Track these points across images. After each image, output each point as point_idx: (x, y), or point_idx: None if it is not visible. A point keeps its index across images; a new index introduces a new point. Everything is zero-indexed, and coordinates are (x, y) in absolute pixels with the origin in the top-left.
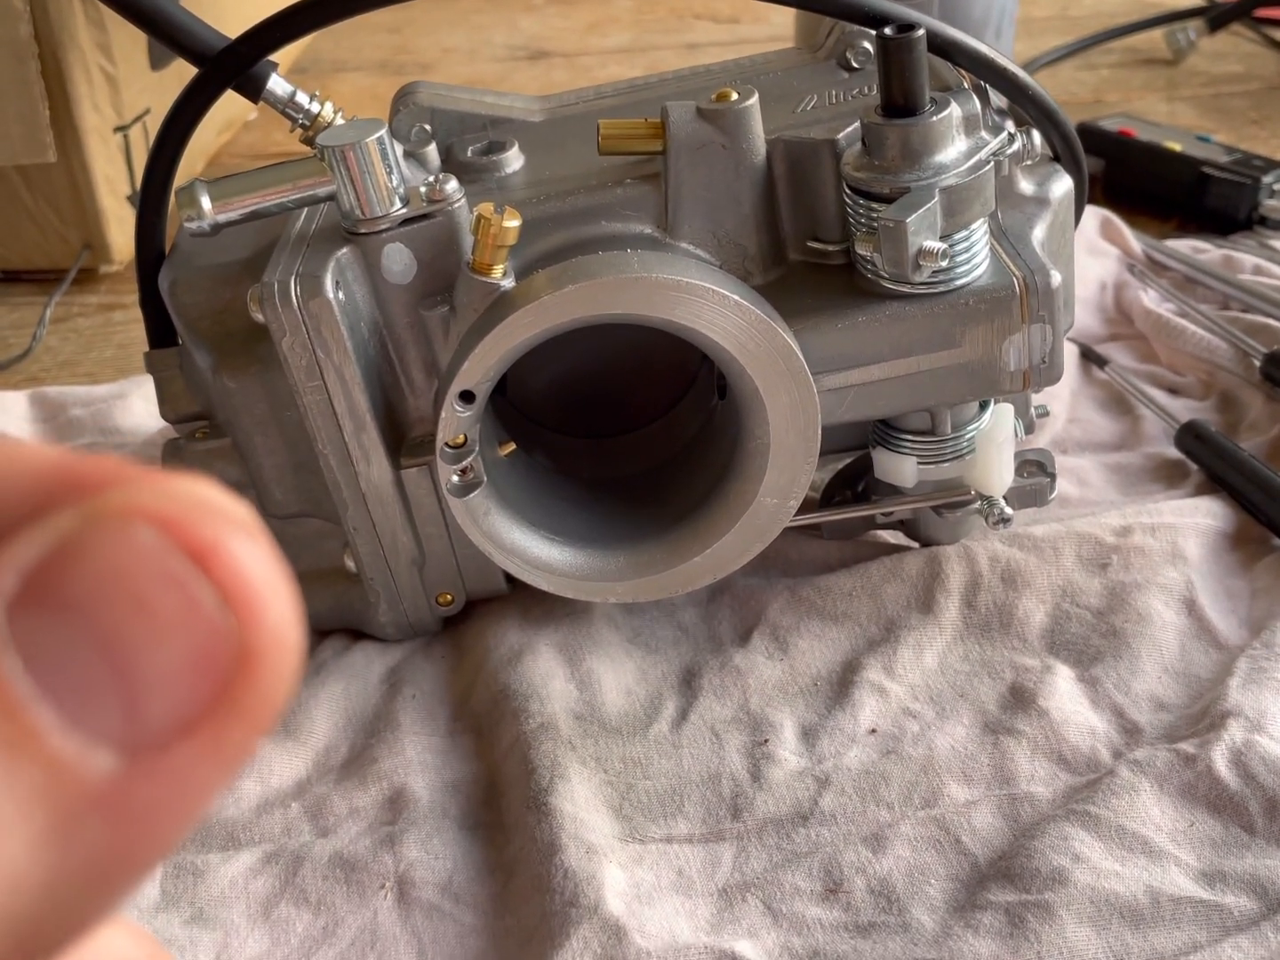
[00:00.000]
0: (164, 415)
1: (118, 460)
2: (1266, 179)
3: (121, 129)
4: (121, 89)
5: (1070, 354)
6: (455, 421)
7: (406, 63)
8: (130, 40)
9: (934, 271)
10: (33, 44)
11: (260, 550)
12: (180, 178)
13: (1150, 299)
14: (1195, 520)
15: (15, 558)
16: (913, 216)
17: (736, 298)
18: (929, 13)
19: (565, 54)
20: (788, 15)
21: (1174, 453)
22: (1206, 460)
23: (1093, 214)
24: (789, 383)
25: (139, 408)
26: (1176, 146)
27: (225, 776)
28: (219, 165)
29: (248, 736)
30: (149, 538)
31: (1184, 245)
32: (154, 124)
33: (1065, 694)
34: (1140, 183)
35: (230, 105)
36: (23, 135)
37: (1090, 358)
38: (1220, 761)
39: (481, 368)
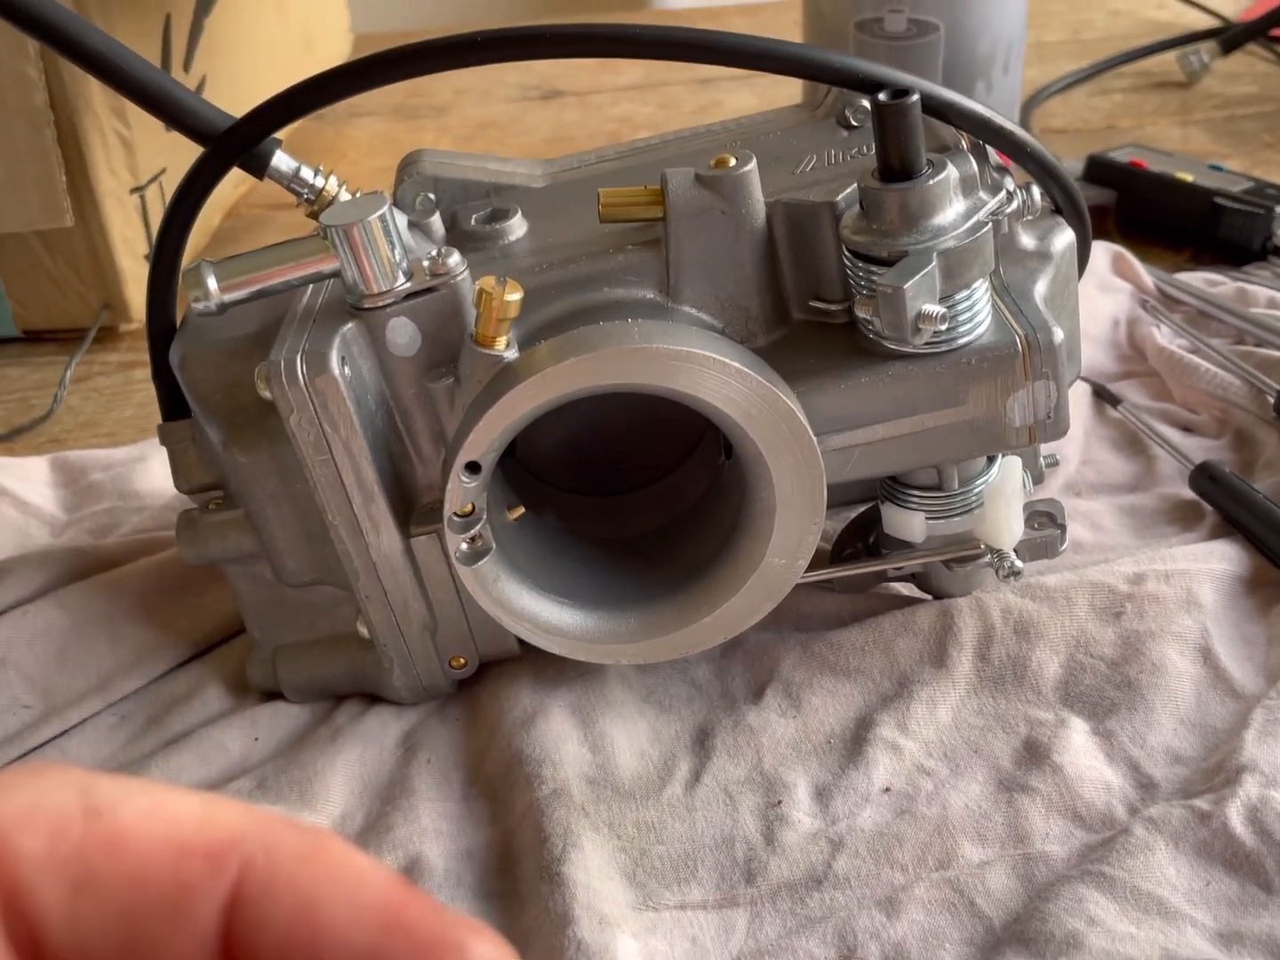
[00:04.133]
0: (178, 487)
1: (437, 912)
2: None
3: (138, 189)
4: (136, 151)
5: (1083, 393)
6: (462, 492)
7: (420, 106)
8: None
9: (934, 333)
10: (48, 111)
11: None
12: (197, 231)
13: (1163, 335)
14: (1210, 565)
15: None
16: (910, 282)
17: (738, 365)
18: (934, 53)
19: (577, 93)
20: None
21: (1189, 493)
22: (1221, 502)
23: (1104, 249)
24: (793, 445)
25: (158, 471)
26: (1188, 177)
27: None
28: (237, 216)
29: None
30: None
31: (1197, 278)
32: (170, 183)
33: (1080, 748)
34: (1152, 214)
35: None
36: (40, 201)
37: (1103, 396)
38: (1236, 818)
39: (486, 440)
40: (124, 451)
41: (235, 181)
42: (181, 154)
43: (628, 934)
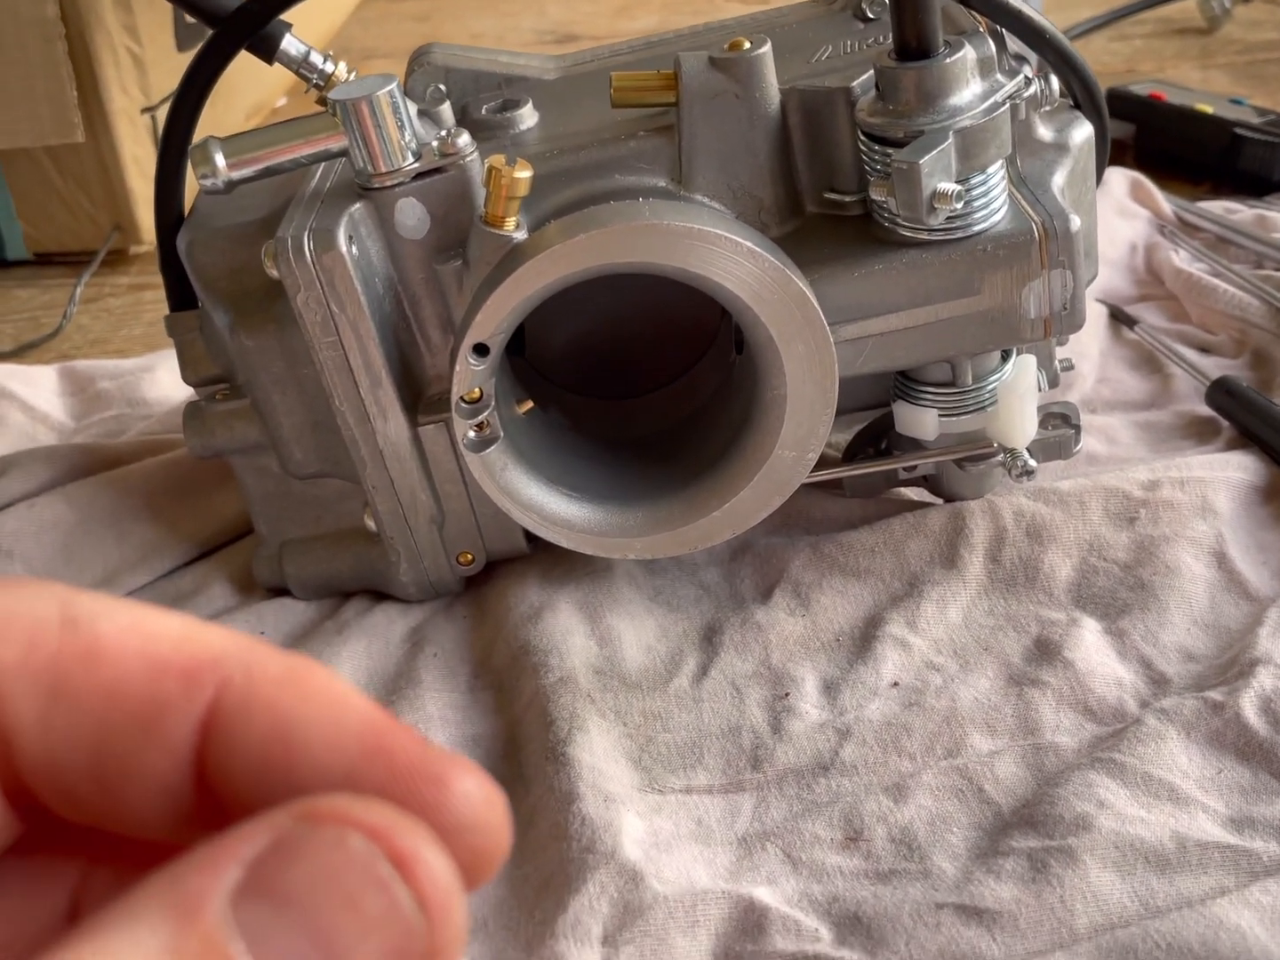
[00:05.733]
0: (185, 378)
1: (420, 744)
2: None
3: (149, 110)
4: (148, 70)
5: (1100, 315)
6: (470, 375)
7: None
8: (156, 21)
9: (950, 216)
10: (59, 24)
11: (447, 861)
12: None
13: (1181, 259)
14: (1226, 474)
15: (240, 852)
16: (926, 158)
17: (750, 244)
18: None
19: (594, 38)
20: None
21: (1205, 410)
22: (1238, 416)
23: (1122, 175)
24: (805, 331)
25: (166, 379)
26: (1208, 109)
27: None
28: None
29: None
30: (360, 844)
31: (1216, 206)
32: None
33: (1091, 646)
34: (1172, 146)
35: (259, 88)
36: (51, 115)
37: (1120, 318)
38: (1249, 708)
39: (494, 320)
40: (132, 362)
41: (248, 112)
42: None
43: (633, 813)
